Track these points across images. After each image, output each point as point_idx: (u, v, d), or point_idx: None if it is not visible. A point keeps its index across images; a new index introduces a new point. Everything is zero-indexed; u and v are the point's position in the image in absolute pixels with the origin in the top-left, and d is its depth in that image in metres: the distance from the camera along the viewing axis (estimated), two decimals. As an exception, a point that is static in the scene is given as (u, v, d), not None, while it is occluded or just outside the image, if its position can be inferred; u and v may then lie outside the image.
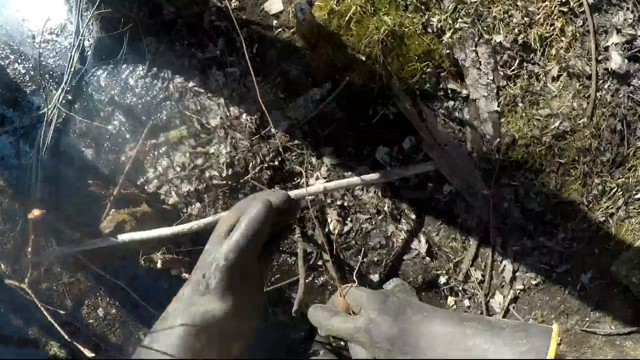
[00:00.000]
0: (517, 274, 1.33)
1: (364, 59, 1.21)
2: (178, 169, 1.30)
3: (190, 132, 1.31)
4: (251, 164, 1.25)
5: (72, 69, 1.42)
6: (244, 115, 1.28)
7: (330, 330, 0.45)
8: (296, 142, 1.25)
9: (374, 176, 1.18)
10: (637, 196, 1.26)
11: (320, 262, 1.24)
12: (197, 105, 1.32)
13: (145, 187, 1.32)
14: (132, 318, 1.44)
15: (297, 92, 1.25)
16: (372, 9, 1.22)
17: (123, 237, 1.21)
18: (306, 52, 1.25)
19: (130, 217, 1.29)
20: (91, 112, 1.42)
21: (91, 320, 1.48)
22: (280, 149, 1.24)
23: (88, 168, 1.42)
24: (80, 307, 1.48)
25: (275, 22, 1.31)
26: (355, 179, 1.17)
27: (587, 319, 1.34)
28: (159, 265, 1.25)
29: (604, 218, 1.28)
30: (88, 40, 1.43)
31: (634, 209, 1.27)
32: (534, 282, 1.33)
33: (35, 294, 1.51)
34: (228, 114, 1.29)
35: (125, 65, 1.41)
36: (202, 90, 1.33)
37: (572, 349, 1.37)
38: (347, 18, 1.22)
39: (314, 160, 1.25)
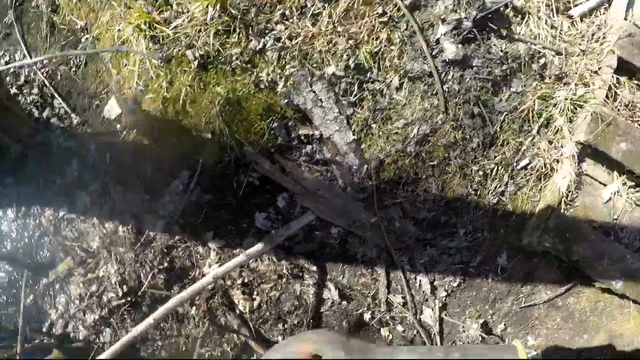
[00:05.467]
0: (435, 283, 1.32)
1: (209, 136, 1.19)
2: (77, 301, 1.27)
3: (76, 261, 1.28)
4: (142, 274, 1.22)
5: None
6: (120, 228, 1.25)
7: None
8: (177, 237, 1.22)
9: (258, 247, 1.17)
10: (519, 166, 1.26)
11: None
12: (74, 232, 1.29)
13: (52, 330, 1.29)
14: None
15: (160, 189, 1.23)
16: (202, 84, 1.19)
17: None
18: (153, 148, 1.22)
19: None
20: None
21: None
22: (165, 249, 1.21)
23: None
24: None
25: (118, 126, 1.28)
26: (241, 258, 1.16)
27: (521, 295, 1.34)
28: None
29: (496, 199, 1.27)
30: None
31: (521, 178, 1.27)
32: (454, 284, 1.32)
33: None
34: (105, 231, 1.26)
35: (-5, 213, 1.37)
36: (74, 215, 1.30)
37: (520, 328, 1.36)
38: (180, 102, 1.19)
39: (200, 249, 1.23)
